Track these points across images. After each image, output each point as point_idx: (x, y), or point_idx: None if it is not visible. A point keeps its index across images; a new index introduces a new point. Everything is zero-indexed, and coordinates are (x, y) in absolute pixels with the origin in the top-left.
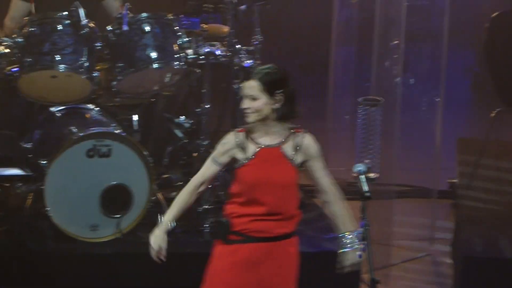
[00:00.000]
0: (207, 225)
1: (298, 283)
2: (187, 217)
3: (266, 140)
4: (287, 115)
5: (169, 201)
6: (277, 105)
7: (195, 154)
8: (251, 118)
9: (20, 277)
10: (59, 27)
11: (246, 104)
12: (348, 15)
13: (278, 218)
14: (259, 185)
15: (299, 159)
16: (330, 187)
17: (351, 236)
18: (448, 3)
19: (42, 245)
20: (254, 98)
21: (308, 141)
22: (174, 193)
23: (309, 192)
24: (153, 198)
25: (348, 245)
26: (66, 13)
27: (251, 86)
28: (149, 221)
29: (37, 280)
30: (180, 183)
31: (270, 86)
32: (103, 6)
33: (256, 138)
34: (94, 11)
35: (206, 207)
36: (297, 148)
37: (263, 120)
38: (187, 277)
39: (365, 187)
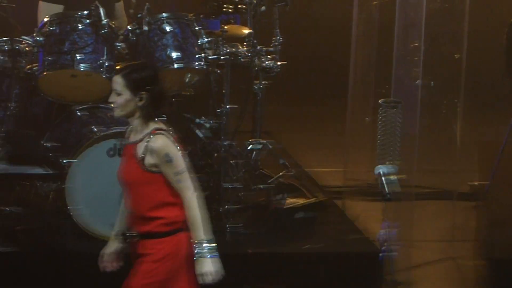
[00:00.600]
0: (228, 226)
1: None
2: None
3: (133, 137)
4: (150, 114)
5: None
6: (141, 103)
7: (215, 155)
8: (116, 112)
9: (41, 276)
10: (79, 26)
11: (111, 98)
12: (368, 17)
13: (136, 216)
14: (119, 181)
15: (151, 160)
16: (184, 193)
17: (204, 245)
18: (467, 6)
19: (63, 244)
20: (118, 93)
21: (157, 145)
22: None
23: (330, 194)
24: None
25: (200, 254)
26: (86, 12)
27: (116, 81)
28: None
29: (58, 279)
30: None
31: (134, 83)
32: (117, 7)
33: (130, 134)
34: (112, 11)
35: (227, 207)
36: (147, 150)
37: (129, 116)
38: None
39: (387, 189)
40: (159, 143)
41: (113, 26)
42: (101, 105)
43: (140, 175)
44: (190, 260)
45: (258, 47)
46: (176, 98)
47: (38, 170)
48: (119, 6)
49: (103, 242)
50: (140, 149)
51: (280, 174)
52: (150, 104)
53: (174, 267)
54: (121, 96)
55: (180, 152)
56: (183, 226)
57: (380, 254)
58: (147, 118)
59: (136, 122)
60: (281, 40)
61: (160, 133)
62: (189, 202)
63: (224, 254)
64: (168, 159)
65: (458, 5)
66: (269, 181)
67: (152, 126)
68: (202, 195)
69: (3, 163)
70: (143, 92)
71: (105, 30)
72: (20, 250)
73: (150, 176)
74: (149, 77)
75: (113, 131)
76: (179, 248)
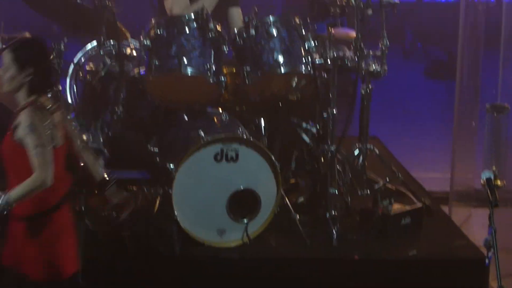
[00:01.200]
0: (335, 232)
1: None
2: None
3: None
4: (36, 89)
5: (296, 206)
6: (27, 79)
7: (322, 160)
8: (4, 87)
9: (147, 280)
10: (186, 30)
11: None
12: (474, 20)
13: (11, 185)
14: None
15: (19, 133)
16: (33, 166)
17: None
18: None
19: (170, 249)
20: (6, 68)
21: (20, 118)
22: (301, 198)
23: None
24: (280, 203)
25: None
26: (193, 16)
27: (4, 56)
28: (276, 227)
29: (165, 283)
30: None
31: (22, 59)
32: (229, 14)
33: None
34: (221, 16)
35: (334, 213)
36: (16, 122)
37: (16, 91)
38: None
39: (493, 195)
40: (23, 116)
41: (220, 29)
42: (208, 110)
43: (12, 147)
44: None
45: (365, 50)
46: (283, 102)
47: (145, 175)
48: (236, 11)
49: (209, 247)
50: (15, 121)
51: (387, 179)
52: (36, 80)
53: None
54: (8, 71)
55: (48, 130)
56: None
57: (486, 260)
58: (32, 93)
59: (21, 96)
60: (388, 44)
61: (31, 107)
62: (28, 179)
63: (330, 259)
64: (25, 132)
65: None
66: (376, 187)
67: (35, 100)
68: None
69: (110, 168)
70: (30, 68)
71: (212, 34)
72: (127, 255)
73: (19, 149)
74: (36, 53)
75: (220, 136)
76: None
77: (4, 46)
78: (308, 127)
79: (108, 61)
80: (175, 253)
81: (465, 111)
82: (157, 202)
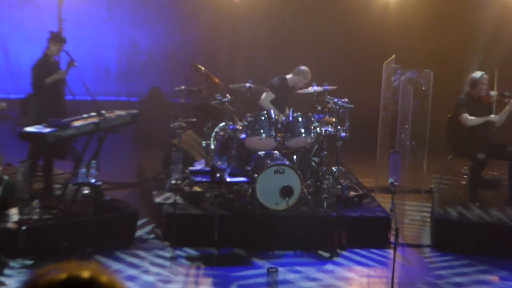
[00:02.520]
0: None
1: None
2: (317, 200)
3: None
4: None
5: (308, 193)
6: None
7: (320, 172)
8: None
9: (246, 226)
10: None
11: None
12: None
13: None
14: None
15: None
16: None
17: None
18: None
19: (255, 211)
20: None
21: None
22: (310, 190)
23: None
24: (302, 192)
25: None
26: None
27: None
28: (300, 201)
29: (249, 225)
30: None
31: None
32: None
33: None
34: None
35: (324, 196)
36: None
37: None
38: (316, 226)
39: (394, 190)
40: None
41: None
42: (271, 152)
43: None
44: None
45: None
46: (304, 148)
47: (243, 179)
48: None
49: (271, 210)
50: None
51: (347, 182)
52: None
53: None
54: None
55: None
56: None
57: (391, 217)
58: None
59: None
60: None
61: None
62: None
63: (322, 216)
64: None
65: None
66: (343, 184)
67: None
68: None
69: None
70: None
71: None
72: (228, 214)
73: None
74: None
75: (277, 162)
76: None
77: None
78: (315, 158)
79: (231, 133)
80: (258, 212)
81: (384, 145)
82: (249, 191)
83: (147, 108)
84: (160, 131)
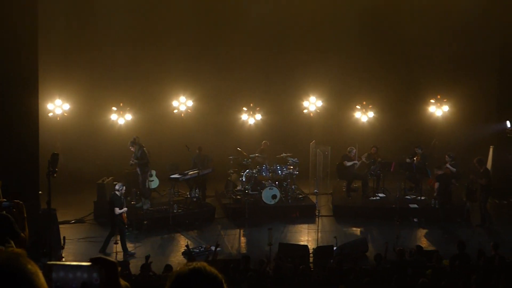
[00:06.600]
0: None
1: None
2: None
3: None
4: None
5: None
6: None
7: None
8: None
9: (256, 213)
10: None
11: None
12: None
13: None
14: None
15: None
16: None
17: None
18: None
19: (260, 203)
20: None
21: None
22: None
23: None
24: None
25: None
26: None
27: None
28: (281, 201)
29: (255, 213)
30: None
31: None
32: None
33: None
34: None
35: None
36: None
37: None
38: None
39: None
40: None
41: None
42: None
43: None
44: None
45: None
46: None
47: (256, 193)
48: None
49: (268, 204)
50: None
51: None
52: None
53: None
54: None
55: None
56: None
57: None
58: None
59: None
60: None
61: None
62: None
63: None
64: None
65: None
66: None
67: None
68: None
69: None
70: None
71: None
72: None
73: None
74: None
75: (272, 187)
76: None
77: None
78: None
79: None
80: (260, 204)
81: None
82: (256, 198)
83: None
84: None
